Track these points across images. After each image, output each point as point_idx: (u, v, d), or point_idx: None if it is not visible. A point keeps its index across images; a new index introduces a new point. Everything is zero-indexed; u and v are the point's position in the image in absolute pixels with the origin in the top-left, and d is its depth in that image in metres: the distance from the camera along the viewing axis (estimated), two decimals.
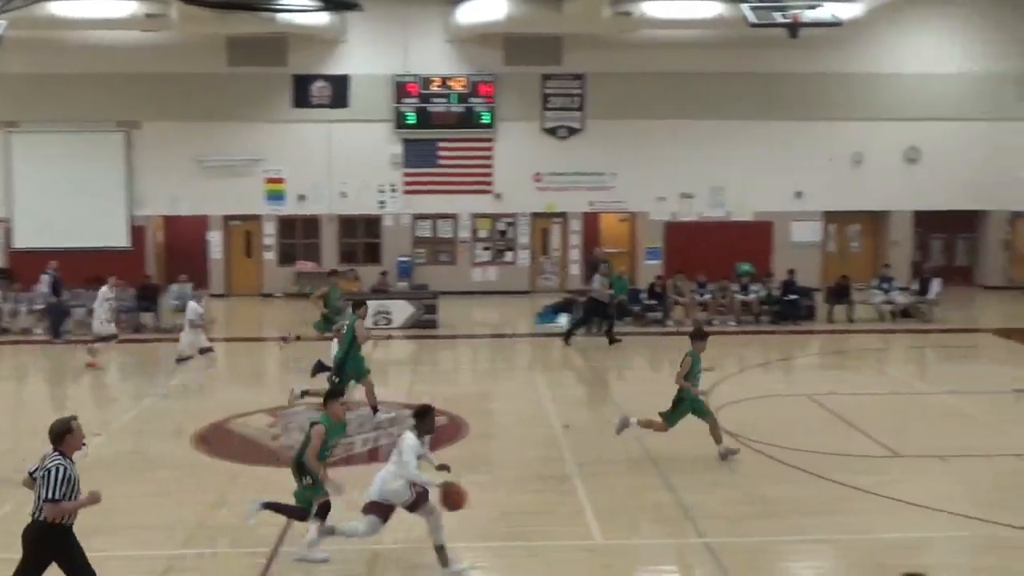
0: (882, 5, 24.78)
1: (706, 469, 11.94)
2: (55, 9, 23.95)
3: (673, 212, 27.25)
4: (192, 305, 16.66)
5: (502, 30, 25.80)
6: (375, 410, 13.77)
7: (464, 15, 25.79)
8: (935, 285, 23.08)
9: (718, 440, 12.02)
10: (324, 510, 8.91)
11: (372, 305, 17.73)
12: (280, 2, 23.89)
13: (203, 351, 16.47)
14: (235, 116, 26.73)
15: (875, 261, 27.18)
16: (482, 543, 9.66)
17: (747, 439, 13.03)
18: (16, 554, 7.14)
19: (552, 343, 20.32)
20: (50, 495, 6.90)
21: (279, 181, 26.98)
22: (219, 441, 13.15)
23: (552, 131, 27.04)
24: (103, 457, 11.82)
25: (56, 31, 25.16)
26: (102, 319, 17.83)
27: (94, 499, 7.14)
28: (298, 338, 17.48)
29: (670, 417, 12.00)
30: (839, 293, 22.97)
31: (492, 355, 17.81)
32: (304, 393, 14.01)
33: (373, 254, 27.31)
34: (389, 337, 20.84)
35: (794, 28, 22.85)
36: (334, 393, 9.57)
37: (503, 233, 27.54)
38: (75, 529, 7.18)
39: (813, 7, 23.15)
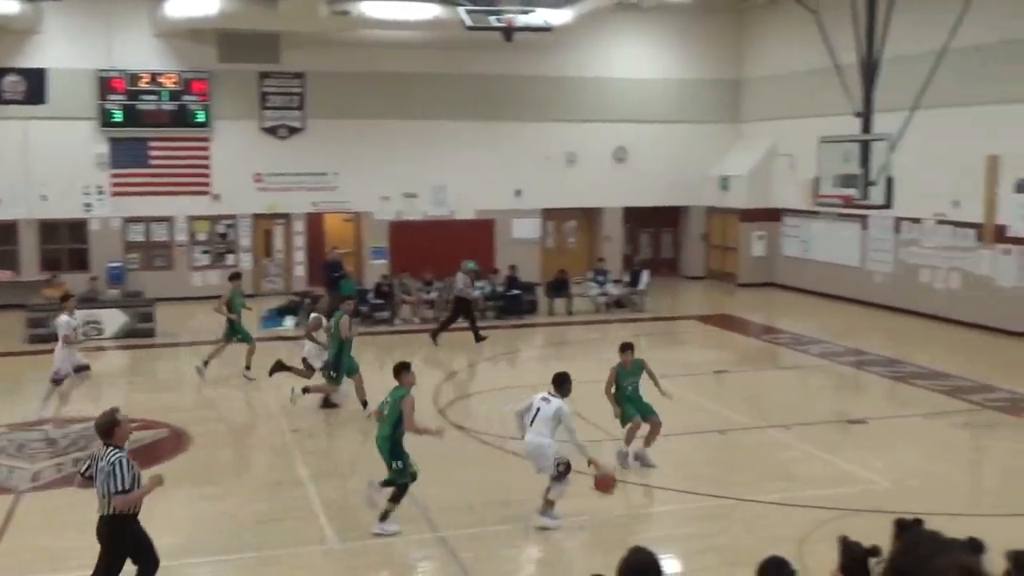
0: (589, 13, 26.07)
1: (438, 463, 12.10)
2: None
3: (397, 211, 27.38)
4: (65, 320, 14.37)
5: (215, 26, 24.85)
6: (365, 404, 14.03)
7: (173, 9, 24.59)
8: (644, 277, 24.63)
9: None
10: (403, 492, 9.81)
11: (80, 315, 16.54)
12: None
13: (78, 370, 14.34)
14: None
15: (590, 255, 28.59)
16: (216, 557, 9.31)
17: (478, 432, 13.33)
18: None
19: (278, 347, 19.81)
20: (121, 487, 7.23)
21: None
22: None
23: (272, 130, 26.39)
24: None
25: None
26: None
27: (156, 483, 7.54)
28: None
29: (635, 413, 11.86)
30: (558, 287, 23.98)
31: (216, 362, 17.13)
32: (305, 391, 14.35)
33: (80, 260, 25.48)
34: (100, 348, 19.57)
35: (508, 32, 23.64)
36: (406, 365, 10.15)
37: (223, 236, 26.56)
38: None
39: (527, 12, 24.06)
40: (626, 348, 12.05)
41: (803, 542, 9.17)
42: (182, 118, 25.53)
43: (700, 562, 9.18)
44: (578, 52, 27.90)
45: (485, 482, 11.39)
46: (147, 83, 25.28)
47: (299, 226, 27.05)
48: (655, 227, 30.92)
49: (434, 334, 20.08)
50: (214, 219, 26.33)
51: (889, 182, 17.40)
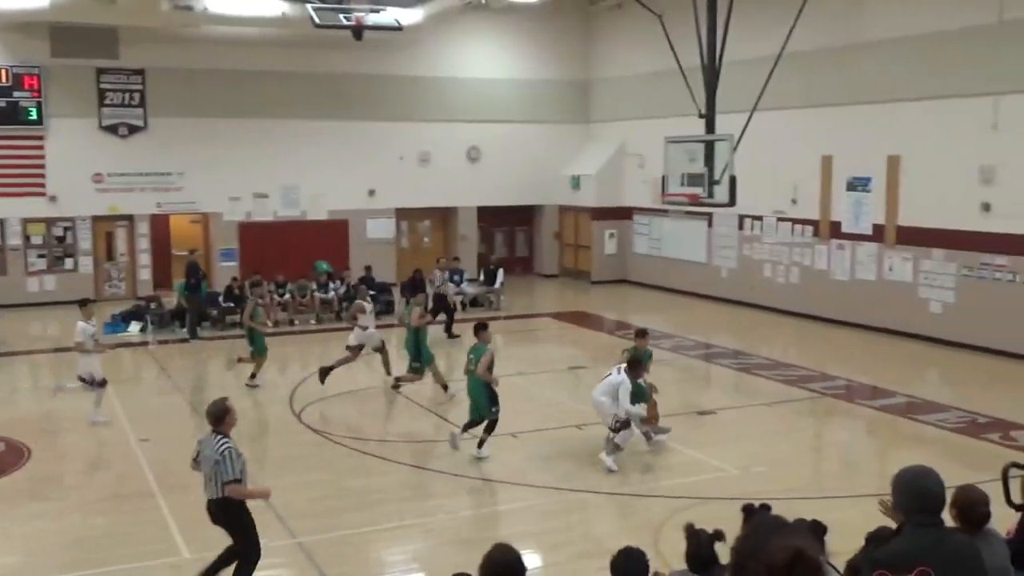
0: (439, 13, 26.03)
1: (295, 468, 11.88)
2: None
3: (247, 212, 26.70)
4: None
5: (48, 19, 23.59)
6: (446, 388, 15.34)
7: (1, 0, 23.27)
8: (500, 275, 24.79)
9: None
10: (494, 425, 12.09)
11: None
12: None
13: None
14: None
15: (446, 254, 28.56)
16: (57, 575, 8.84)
17: (331, 434, 13.14)
18: None
19: (122, 353, 19.03)
20: (232, 476, 7.60)
21: None
22: None
23: (112, 129, 25.29)
24: None
25: None
26: None
27: (265, 493, 8.31)
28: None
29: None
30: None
31: (56, 372, 16.29)
32: (397, 382, 15.65)
33: None
34: None
35: (358, 31, 23.36)
36: (484, 325, 12.57)
37: (60, 239, 25.31)
38: None
39: (376, 11, 23.83)
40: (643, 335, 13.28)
41: (659, 531, 9.40)
42: (12, 115, 24.21)
43: (560, 555, 9.28)
44: (430, 52, 27.83)
45: (342, 485, 11.23)
46: None
47: (143, 228, 26.03)
48: (509, 226, 31.16)
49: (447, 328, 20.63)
50: (50, 221, 25.07)
51: (732, 181, 17.98)
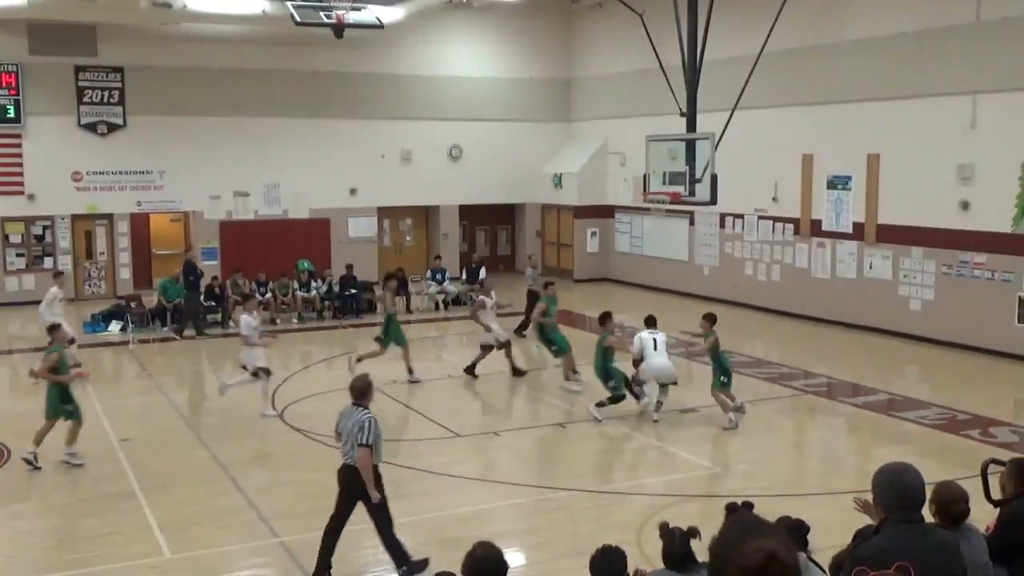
0: (420, 11, 25.99)
1: (275, 469, 11.84)
2: None
3: (228, 211, 26.59)
4: None
5: (26, 16, 23.42)
6: (575, 371, 15.82)
7: None
8: (482, 273, 24.74)
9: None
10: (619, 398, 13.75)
11: None
12: None
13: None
14: None
15: (428, 253, 28.55)
16: None
17: (314, 434, 13.11)
18: None
19: (102, 352, 18.93)
20: (365, 440, 8.27)
21: None
22: None
23: (91, 127, 25.14)
24: None
25: None
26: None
27: (374, 491, 8.47)
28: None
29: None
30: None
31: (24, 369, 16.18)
32: (571, 374, 15.92)
33: None
34: None
35: (339, 29, 23.28)
36: (608, 314, 14.16)
37: (40, 238, 25.14)
38: None
39: (357, 9, 23.75)
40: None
41: (641, 529, 9.42)
42: None
43: (543, 553, 9.30)
44: (411, 50, 27.79)
45: (325, 484, 11.19)
46: None
47: (123, 227, 25.88)
48: (491, 224, 31.16)
49: (518, 328, 20.42)
50: (29, 220, 24.90)
51: (714, 180, 18.02)
